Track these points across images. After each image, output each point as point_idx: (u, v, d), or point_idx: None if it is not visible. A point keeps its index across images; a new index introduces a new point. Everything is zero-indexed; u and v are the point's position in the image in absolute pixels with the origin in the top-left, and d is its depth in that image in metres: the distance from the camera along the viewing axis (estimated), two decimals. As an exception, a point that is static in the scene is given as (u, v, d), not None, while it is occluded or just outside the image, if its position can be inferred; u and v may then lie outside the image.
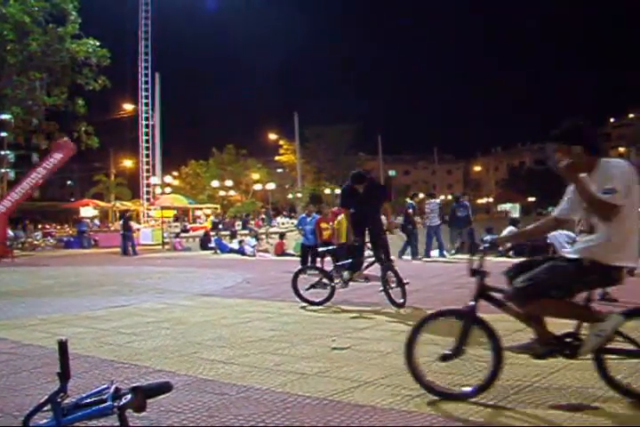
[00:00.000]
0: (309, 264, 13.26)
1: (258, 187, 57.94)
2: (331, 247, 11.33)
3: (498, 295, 4.13)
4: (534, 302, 3.86)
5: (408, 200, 18.47)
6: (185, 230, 37.44)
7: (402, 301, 8.17)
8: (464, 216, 18.44)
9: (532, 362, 4.83)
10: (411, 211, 17.46)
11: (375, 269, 8.93)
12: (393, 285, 8.38)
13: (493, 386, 3.98)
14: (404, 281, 8.42)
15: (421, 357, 4.21)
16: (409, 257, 16.67)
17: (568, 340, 3.91)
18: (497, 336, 4.04)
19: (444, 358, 4.12)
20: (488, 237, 19.03)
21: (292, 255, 19.97)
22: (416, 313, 7.57)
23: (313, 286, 8.76)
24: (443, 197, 75.02)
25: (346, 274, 8.87)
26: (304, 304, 8.48)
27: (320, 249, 10.15)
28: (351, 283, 9.11)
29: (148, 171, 36.46)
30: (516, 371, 4.60)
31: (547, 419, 3.56)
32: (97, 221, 41.20)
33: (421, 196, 32.19)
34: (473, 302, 4.13)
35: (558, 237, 16.03)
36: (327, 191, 63.06)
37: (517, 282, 3.93)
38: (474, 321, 4.12)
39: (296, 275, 8.91)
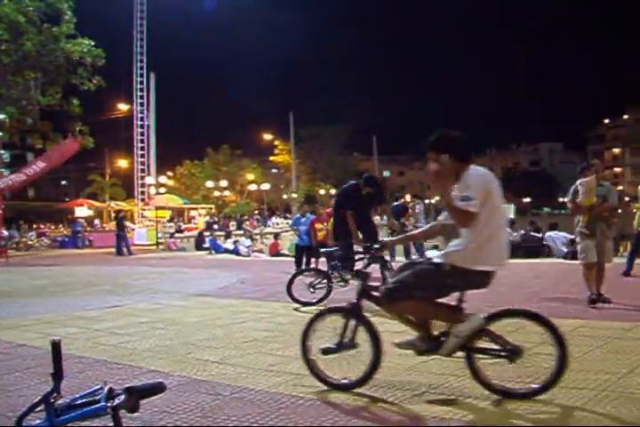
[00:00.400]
0: (304, 266, 13.24)
1: (253, 187, 57.89)
2: (333, 248, 11.29)
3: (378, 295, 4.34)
4: (401, 303, 4.13)
5: (395, 202, 18.42)
6: (179, 231, 37.41)
7: None
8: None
9: (524, 363, 4.85)
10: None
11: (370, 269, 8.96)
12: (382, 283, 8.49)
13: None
14: None
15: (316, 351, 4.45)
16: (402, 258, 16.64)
17: (443, 339, 4.11)
18: (376, 332, 4.30)
19: (326, 351, 4.38)
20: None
21: (287, 256, 19.95)
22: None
23: (312, 287, 8.75)
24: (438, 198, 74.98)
25: (345, 273, 8.92)
26: (299, 305, 8.47)
27: (322, 250, 10.15)
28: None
29: (142, 171, 36.31)
30: (509, 372, 4.61)
31: (542, 418, 3.57)
32: (97, 221, 41.12)
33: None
34: (356, 301, 4.43)
35: (555, 238, 16.13)
36: (322, 192, 63.05)
37: (388, 283, 4.24)
38: (356, 318, 4.38)
39: (292, 278, 8.88)
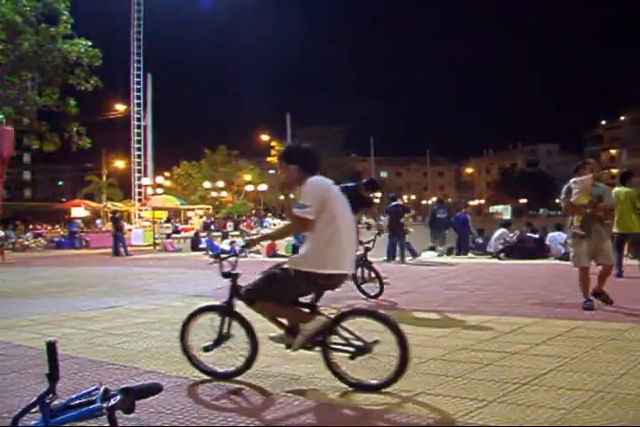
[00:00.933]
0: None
1: (250, 188, 57.85)
2: None
3: None
4: (257, 304, 4.50)
5: (393, 202, 18.38)
6: (176, 231, 37.37)
7: (375, 292, 9.15)
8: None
9: (522, 364, 4.88)
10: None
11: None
12: (360, 281, 9.32)
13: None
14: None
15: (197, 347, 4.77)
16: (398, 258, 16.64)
17: None
18: (251, 328, 4.63)
19: (206, 349, 4.69)
20: (479, 240, 19.17)
21: (284, 256, 19.93)
22: (406, 314, 7.59)
23: None
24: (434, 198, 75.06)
25: None
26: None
27: None
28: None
29: (139, 171, 36.31)
30: (505, 372, 4.63)
31: (538, 419, 3.57)
32: (99, 222, 41.03)
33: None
34: (228, 300, 4.73)
35: (557, 238, 16.15)
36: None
37: (246, 285, 4.59)
38: (229, 315, 4.71)
39: None
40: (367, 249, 9.61)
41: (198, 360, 4.81)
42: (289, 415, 3.82)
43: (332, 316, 4.48)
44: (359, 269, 9.37)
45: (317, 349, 4.44)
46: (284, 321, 4.59)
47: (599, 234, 7.67)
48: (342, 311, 4.53)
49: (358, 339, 4.31)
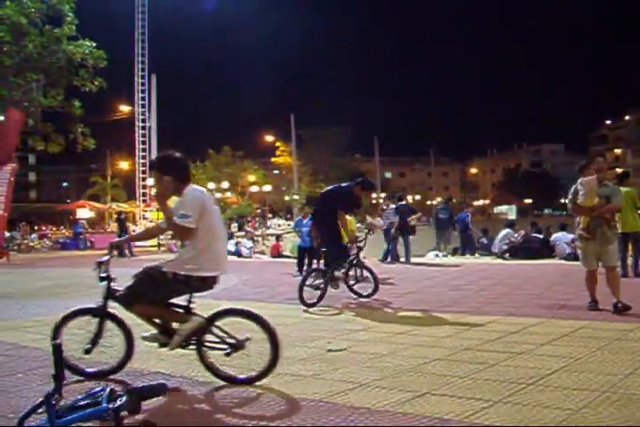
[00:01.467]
0: (306, 267, 13.26)
1: (254, 189, 57.83)
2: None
3: None
4: (135, 306, 4.69)
5: (399, 202, 18.34)
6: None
7: (368, 292, 9.20)
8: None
9: (527, 364, 4.87)
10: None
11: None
12: (352, 281, 9.44)
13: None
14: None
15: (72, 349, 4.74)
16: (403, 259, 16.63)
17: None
18: (128, 328, 4.83)
19: (86, 351, 4.75)
20: (484, 240, 19.17)
21: (289, 257, 19.95)
22: (411, 315, 7.58)
23: (317, 288, 8.79)
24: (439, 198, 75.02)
25: (338, 273, 9.04)
26: (299, 306, 8.47)
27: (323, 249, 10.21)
28: (343, 284, 9.37)
29: (144, 172, 36.36)
30: (511, 373, 4.62)
31: (544, 419, 3.56)
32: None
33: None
34: (103, 302, 4.84)
35: (562, 239, 16.13)
36: (323, 193, 62.83)
37: (124, 288, 4.76)
38: (105, 317, 4.83)
39: (302, 284, 8.76)
40: (359, 249, 9.64)
41: (70, 361, 4.78)
42: (292, 415, 3.82)
43: (207, 315, 4.66)
44: (352, 269, 9.46)
45: (192, 347, 4.65)
46: (159, 321, 4.75)
47: (605, 236, 7.49)
48: (216, 311, 4.70)
49: (231, 337, 4.57)
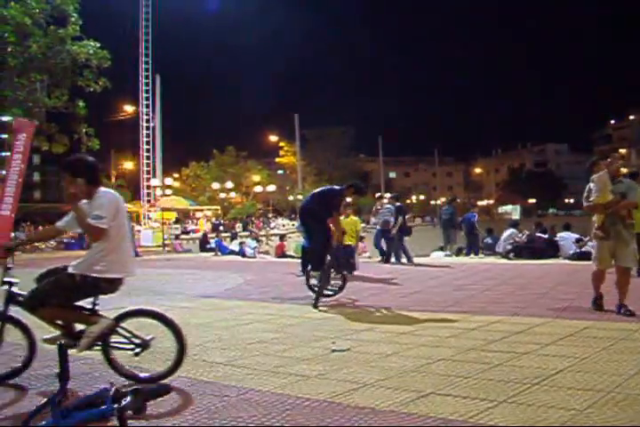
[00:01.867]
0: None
1: (258, 189, 57.90)
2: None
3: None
4: (39, 310, 4.67)
5: (396, 203, 18.42)
6: (185, 232, 37.40)
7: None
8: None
9: (532, 364, 4.86)
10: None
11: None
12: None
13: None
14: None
15: None
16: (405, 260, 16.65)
17: (81, 335, 4.65)
18: (30, 332, 4.87)
19: None
20: (488, 240, 19.15)
21: (293, 257, 19.95)
22: (415, 315, 7.57)
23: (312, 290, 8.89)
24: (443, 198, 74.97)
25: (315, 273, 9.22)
26: (303, 306, 8.50)
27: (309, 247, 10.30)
28: (347, 284, 9.43)
29: (148, 173, 36.46)
30: (515, 373, 4.61)
31: (548, 420, 3.56)
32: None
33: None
34: (4, 306, 4.89)
35: (568, 238, 16.10)
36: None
37: (29, 292, 4.77)
38: (5, 320, 4.88)
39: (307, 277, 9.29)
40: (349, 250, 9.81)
41: None
42: (296, 415, 3.82)
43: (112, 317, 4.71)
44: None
45: (97, 348, 4.68)
46: (62, 323, 4.79)
47: (620, 236, 7.19)
48: (122, 312, 4.76)
49: (137, 337, 4.67)
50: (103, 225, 4.52)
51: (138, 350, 4.62)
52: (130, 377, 4.67)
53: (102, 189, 4.77)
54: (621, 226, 7.20)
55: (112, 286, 4.77)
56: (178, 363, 4.63)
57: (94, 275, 4.60)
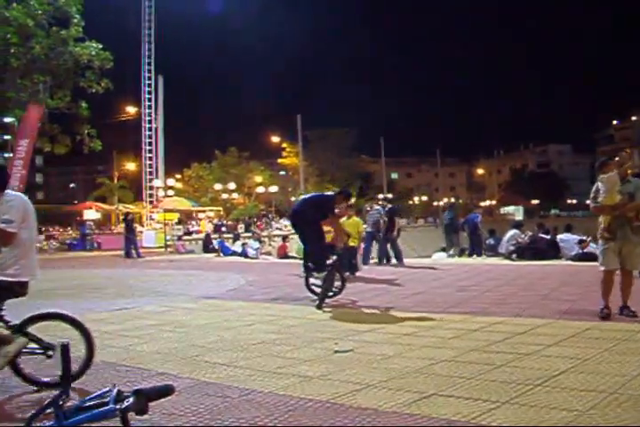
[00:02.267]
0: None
1: (261, 190, 57.88)
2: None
3: None
4: None
5: (390, 206, 18.70)
6: (188, 233, 37.40)
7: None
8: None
9: (534, 365, 4.85)
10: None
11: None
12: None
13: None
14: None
15: None
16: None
17: None
18: None
19: None
20: (491, 241, 19.14)
21: (295, 258, 19.95)
22: (417, 316, 7.57)
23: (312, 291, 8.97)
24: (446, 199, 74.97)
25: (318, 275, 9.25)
26: (306, 307, 8.50)
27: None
28: (350, 284, 9.46)
29: (150, 173, 36.48)
30: (518, 374, 4.61)
31: (551, 420, 3.56)
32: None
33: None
34: None
35: (568, 240, 16.09)
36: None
37: None
38: None
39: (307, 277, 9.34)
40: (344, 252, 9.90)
41: None
42: (299, 416, 3.82)
43: (18, 322, 4.69)
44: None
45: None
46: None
47: (626, 237, 7.00)
48: (28, 317, 4.75)
49: (42, 341, 4.66)
50: (13, 229, 4.49)
51: (46, 353, 4.61)
52: (34, 383, 4.64)
53: (10, 192, 4.72)
54: (628, 228, 7.03)
55: (22, 289, 4.73)
56: (86, 365, 4.63)
57: (9, 279, 4.57)
